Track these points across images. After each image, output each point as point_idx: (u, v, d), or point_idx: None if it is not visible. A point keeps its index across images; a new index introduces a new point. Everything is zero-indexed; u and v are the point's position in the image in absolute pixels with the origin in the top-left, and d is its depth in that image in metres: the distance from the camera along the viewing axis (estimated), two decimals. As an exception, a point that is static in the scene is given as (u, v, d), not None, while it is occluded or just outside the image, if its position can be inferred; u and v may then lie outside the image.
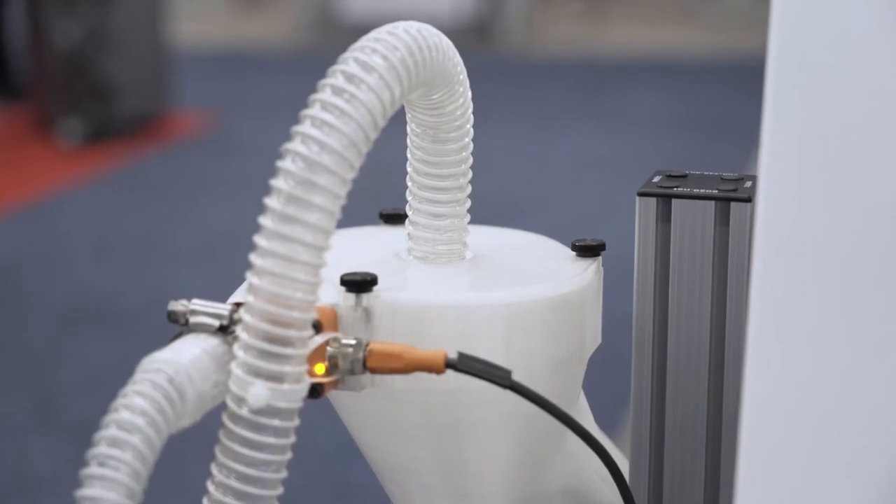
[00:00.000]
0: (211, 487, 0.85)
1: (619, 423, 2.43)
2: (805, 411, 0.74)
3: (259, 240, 0.84)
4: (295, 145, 0.84)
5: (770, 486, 0.69)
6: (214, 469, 0.85)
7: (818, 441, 0.72)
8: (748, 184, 1.00)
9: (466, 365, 0.89)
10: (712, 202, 0.98)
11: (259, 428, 0.85)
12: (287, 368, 0.85)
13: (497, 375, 0.89)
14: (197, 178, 5.13)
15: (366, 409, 0.98)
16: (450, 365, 0.88)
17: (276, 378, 0.84)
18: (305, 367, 0.86)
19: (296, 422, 0.86)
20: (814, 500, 0.69)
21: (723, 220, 0.98)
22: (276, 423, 0.85)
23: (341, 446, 3.00)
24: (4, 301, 3.88)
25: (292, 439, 0.86)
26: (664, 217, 1.00)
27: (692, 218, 0.99)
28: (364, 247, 1.04)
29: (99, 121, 5.39)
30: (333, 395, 0.98)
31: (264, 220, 0.84)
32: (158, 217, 4.65)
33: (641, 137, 5.49)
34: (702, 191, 0.99)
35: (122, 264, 4.16)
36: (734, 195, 0.98)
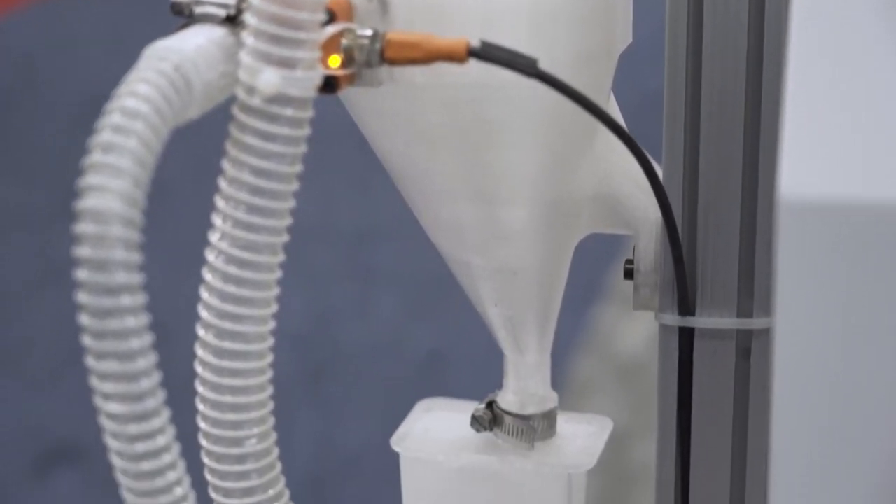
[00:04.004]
0: (223, 184, 0.81)
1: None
2: (849, 96, 0.70)
3: (265, -83, 0.79)
4: None
5: (812, 164, 0.65)
6: (226, 164, 0.81)
7: (858, 127, 0.68)
8: None
9: (490, 53, 0.84)
10: None
11: (272, 118, 0.80)
12: (299, 54, 0.80)
13: (522, 63, 0.84)
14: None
15: (385, 109, 0.93)
16: (472, 53, 0.83)
17: (287, 64, 0.80)
18: (318, 54, 0.81)
19: (310, 112, 0.81)
20: (860, 175, 0.64)
21: None
22: (289, 112, 0.80)
23: (365, 230, 2.99)
24: (20, 96, 3.85)
25: (307, 131, 0.82)
26: None
27: None
28: None
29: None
30: (351, 100, 0.94)
31: None
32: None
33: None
34: None
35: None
36: None
